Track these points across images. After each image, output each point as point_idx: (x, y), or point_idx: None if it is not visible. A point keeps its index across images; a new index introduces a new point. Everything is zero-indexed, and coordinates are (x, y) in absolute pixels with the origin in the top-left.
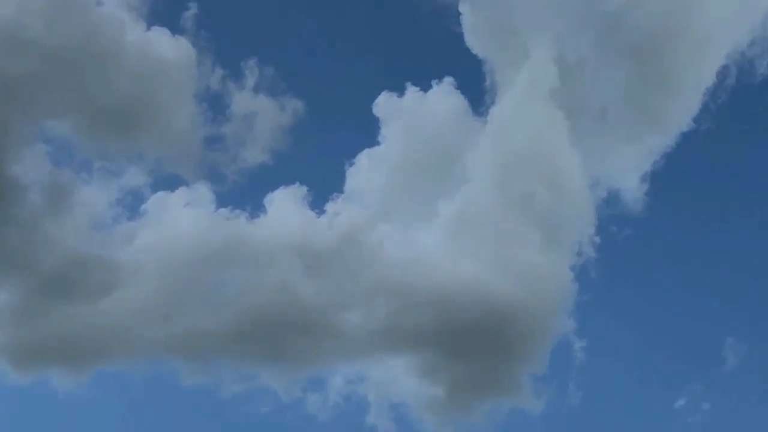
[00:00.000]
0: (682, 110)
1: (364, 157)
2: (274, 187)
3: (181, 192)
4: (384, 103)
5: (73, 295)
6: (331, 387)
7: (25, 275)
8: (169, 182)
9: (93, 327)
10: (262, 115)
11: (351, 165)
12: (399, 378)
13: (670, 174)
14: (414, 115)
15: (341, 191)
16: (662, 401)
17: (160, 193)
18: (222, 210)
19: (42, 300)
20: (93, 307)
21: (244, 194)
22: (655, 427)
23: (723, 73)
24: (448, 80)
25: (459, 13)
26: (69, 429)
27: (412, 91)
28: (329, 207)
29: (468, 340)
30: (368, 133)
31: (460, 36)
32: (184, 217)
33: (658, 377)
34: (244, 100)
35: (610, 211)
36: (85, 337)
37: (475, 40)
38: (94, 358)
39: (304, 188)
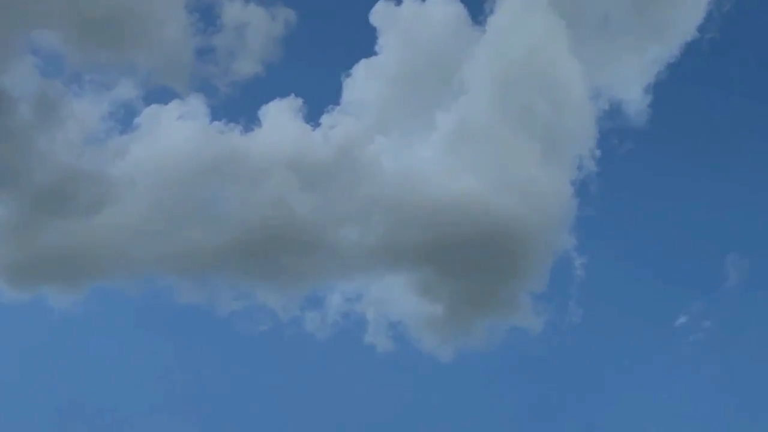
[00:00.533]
0: (686, 19)
1: (360, 68)
2: (268, 99)
3: (174, 105)
4: (381, 12)
5: (66, 211)
6: (330, 305)
7: (16, 191)
8: (161, 95)
9: (87, 243)
10: (253, 25)
11: (347, 76)
12: (397, 296)
13: (674, 85)
14: (412, 24)
15: (337, 103)
16: (663, 319)
17: (153, 106)
18: (216, 123)
19: (34, 216)
20: (86, 223)
21: (238, 107)
22: (656, 345)
23: None
24: None
25: None
26: (66, 346)
27: None
28: (325, 119)
29: (466, 257)
30: (365, 42)
31: None
32: (177, 131)
33: (659, 295)
34: (234, 10)
35: (612, 124)
36: (79, 254)
37: None
38: (89, 275)
39: (300, 100)
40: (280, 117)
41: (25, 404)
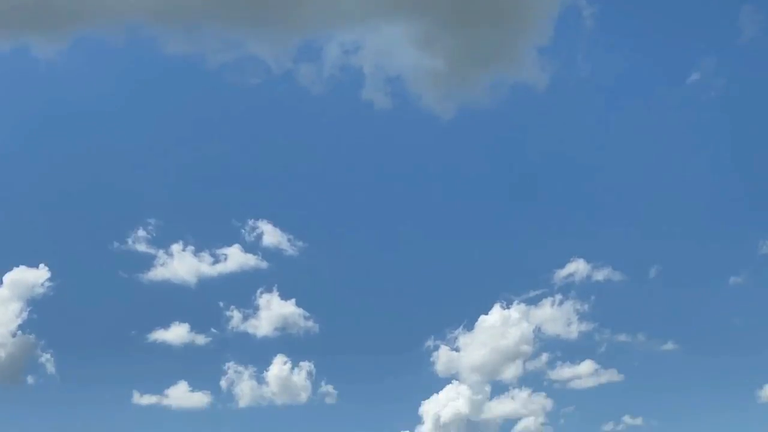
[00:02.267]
0: None
1: None
2: None
3: None
4: None
5: None
6: (325, 57)
7: None
8: None
9: None
10: None
11: None
12: (396, 48)
13: None
14: None
15: None
16: (674, 77)
17: None
18: None
19: None
20: None
21: None
22: (666, 105)
23: None
24: None
25: None
26: (52, 98)
27: None
28: None
29: (467, 5)
30: None
31: None
32: None
33: (670, 50)
34: None
35: None
36: None
37: None
38: (71, 22)
39: None
40: None
41: (13, 153)
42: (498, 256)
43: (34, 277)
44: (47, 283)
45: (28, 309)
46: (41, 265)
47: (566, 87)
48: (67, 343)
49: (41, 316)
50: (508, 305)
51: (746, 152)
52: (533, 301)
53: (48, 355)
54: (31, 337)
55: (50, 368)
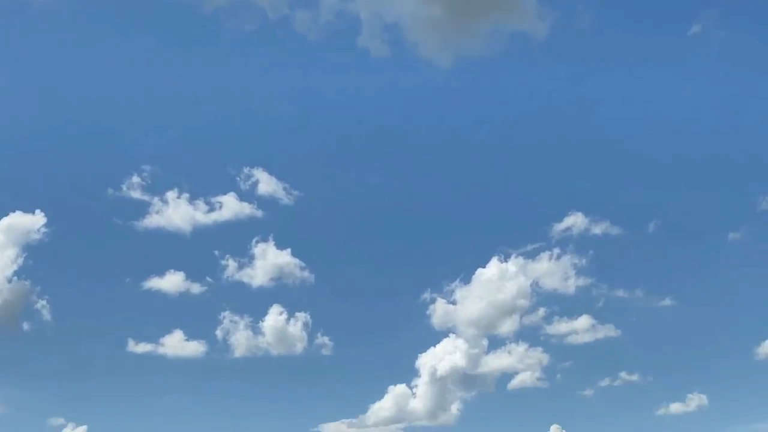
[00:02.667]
0: None
1: None
2: None
3: None
4: None
5: None
6: (321, 3)
7: None
8: None
9: None
10: None
11: None
12: None
13: None
14: None
15: None
16: (675, 28)
17: None
18: None
19: None
20: None
21: None
22: (667, 57)
23: None
24: None
25: None
26: (45, 43)
27: None
28: None
29: None
30: None
31: None
32: None
33: (672, 1)
34: None
35: None
36: None
37: None
38: None
39: None
40: None
41: (6, 98)
42: (496, 208)
43: (30, 222)
44: (43, 229)
45: (24, 255)
46: (37, 211)
47: (566, 36)
48: (62, 289)
49: (37, 262)
50: (505, 258)
51: (747, 105)
52: (531, 255)
53: (43, 302)
54: (26, 283)
55: (46, 315)
